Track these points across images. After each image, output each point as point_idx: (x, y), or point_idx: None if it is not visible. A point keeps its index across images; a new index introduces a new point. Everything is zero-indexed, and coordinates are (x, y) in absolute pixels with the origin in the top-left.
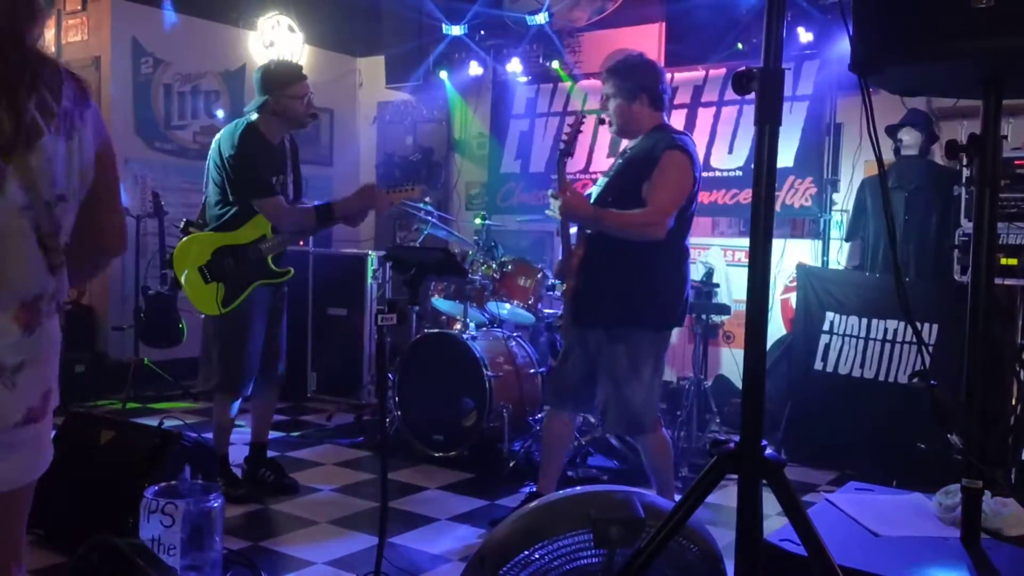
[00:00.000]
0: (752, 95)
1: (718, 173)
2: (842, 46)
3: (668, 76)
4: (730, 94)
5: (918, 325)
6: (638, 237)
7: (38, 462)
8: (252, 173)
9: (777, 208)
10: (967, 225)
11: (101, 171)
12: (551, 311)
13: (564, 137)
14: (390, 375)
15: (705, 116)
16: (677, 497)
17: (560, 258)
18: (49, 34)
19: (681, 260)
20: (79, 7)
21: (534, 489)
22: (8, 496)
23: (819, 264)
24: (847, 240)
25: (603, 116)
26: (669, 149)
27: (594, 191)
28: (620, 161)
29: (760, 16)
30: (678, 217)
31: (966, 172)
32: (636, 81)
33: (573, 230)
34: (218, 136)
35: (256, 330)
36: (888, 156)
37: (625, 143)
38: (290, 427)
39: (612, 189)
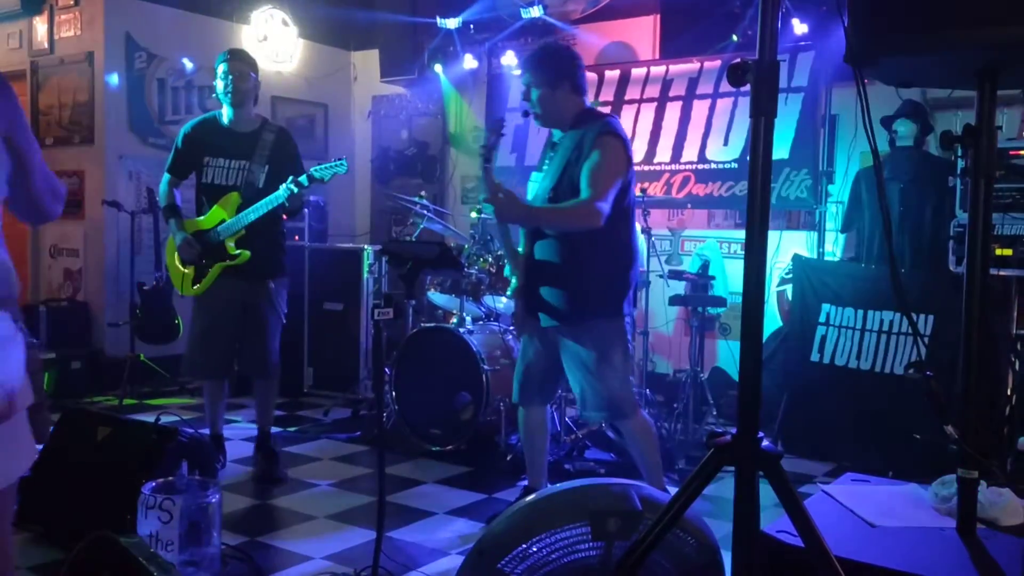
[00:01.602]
0: (747, 87)
1: (714, 165)
2: (837, 37)
3: (663, 68)
4: (725, 86)
5: (914, 316)
6: (576, 227)
7: (10, 464)
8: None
9: (773, 200)
10: (962, 216)
11: (18, 136)
12: None
13: (484, 143)
14: (387, 369)
15: (700, 108)
16: (666, 482)
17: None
18: (42, 29)
19: (629, 244)
20: (72, 2)
21: (527, 483)
22: None
23: (815, 256)
24: (843, 231)
25: (526, 109)
26: (600, 135)
27: (532, 187)
28: (552, 153)
29: (755, 8)
30: (618, 200)
31: (961, 163)
32: (556, 69)
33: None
34: None
35: (216, 318)
36: (883, 147)
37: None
38: (287, 422)
39: (551, 182)
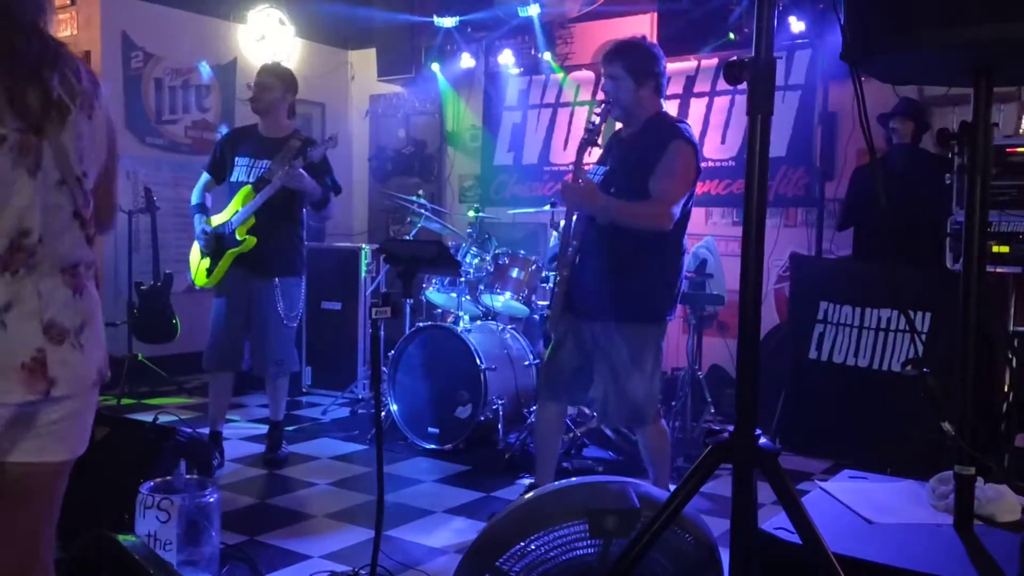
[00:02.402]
0: (744, 85)
1: (711, 163)
2: (834, 35)
3: None
4: (722, 84)
5: (911, 313)
6: (648, 228)
7: (82, 437)
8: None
9: (770, 198)
10: (959, 213)
11: (110, 152)
12: (545, 303)
13: (589, 125)
14: (385, 368)
15: (697, 106)
16: (672, 487)
17: (558, 247)
18: None
19: (680, 252)
20: (68, 2)
21: (532, 480)
22: (66, 465)
23: (812, 253)
24: (840, 229)
25: (607, 99)
26: (677, 139)
27: (596, 174)
28: (618, 149)
29: (752, 6)
30: (681, 208)
31: (957, 160)
32: (646, 65)
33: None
34: None
35: (224, 309)
36: (880, 145)
37: (618, 129)
38: (285, 421)
39: (616, 179)
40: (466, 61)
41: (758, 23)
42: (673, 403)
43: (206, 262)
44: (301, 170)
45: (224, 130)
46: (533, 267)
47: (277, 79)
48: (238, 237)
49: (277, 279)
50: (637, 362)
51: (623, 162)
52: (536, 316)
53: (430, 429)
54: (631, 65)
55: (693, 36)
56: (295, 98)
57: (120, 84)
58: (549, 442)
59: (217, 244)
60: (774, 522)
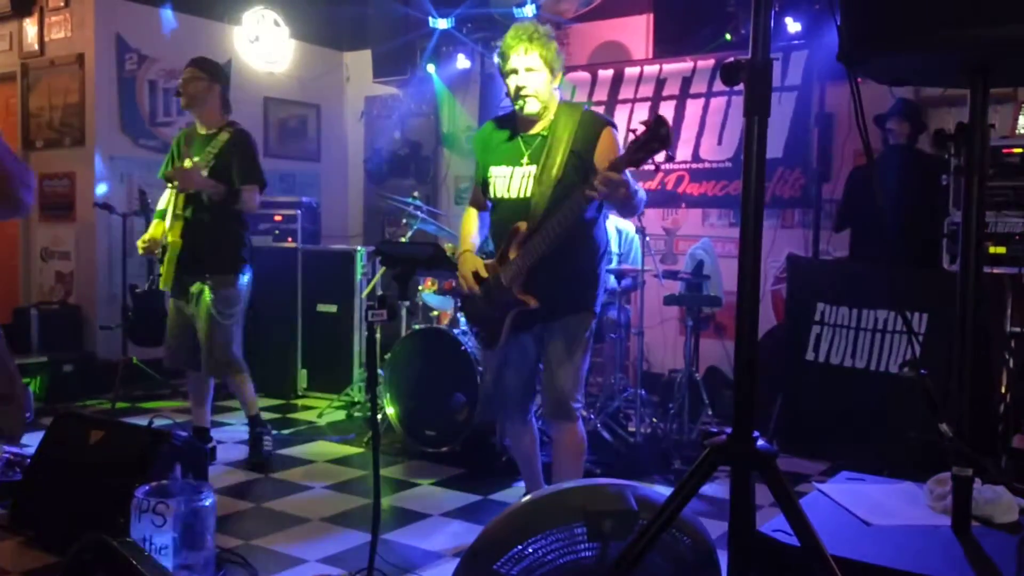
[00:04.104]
0: (741, 86)
1: (708, 164)
2: (830, 36)
3: (656, 67)
4: (719, 85)
5: (908, 314)
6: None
7: None
8: None
9: (767, 199)
10: (956, 214)
11: None
12: None
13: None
14: (381, 371)
15: (694, 107)
16: (662, 482)
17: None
18: (32, 31)
19: (604, 237)
20: (62, 4)
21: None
22: None
23: (809, 255)
24: (837, 230)
25: (522, 93)
26: (607, 126)
27: (501, 183)
28: (535, 147)
29: (748, 6)
30: None
31: (954, 161)
32: (557, 55)
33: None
34: None
35: (173, 311)
36: (876, 146)
37: (498, 120)
38: (281, 424)
39: (557, 176)
40: (461, 62)
41: (754, 24)
42: (671, 405)
43: (162, 267)
44: (192, 171)
45: None
46: None
47: (200, 70)
48: (169, 239)
49: (208, 277)
50: (569, 351)
51: (553, 158)
52: None
53: (427, 432)
54: (547, 56)
55: (689, 37)
56: (226, 88)
57: (114, 86)
58: (528, 459)
59: (162, 250)
60: (772, 524)
